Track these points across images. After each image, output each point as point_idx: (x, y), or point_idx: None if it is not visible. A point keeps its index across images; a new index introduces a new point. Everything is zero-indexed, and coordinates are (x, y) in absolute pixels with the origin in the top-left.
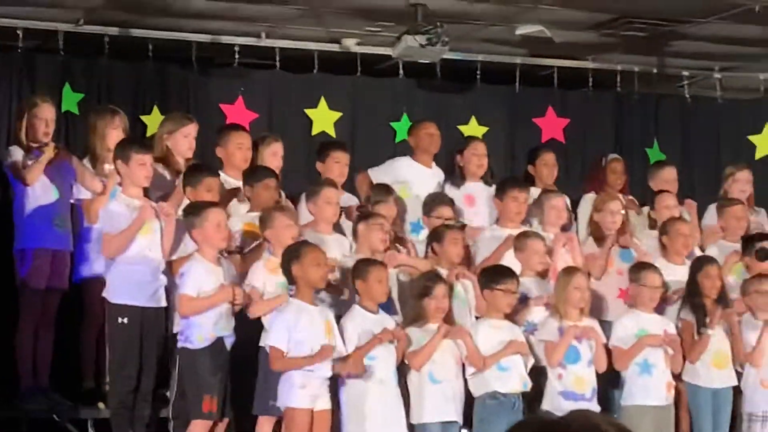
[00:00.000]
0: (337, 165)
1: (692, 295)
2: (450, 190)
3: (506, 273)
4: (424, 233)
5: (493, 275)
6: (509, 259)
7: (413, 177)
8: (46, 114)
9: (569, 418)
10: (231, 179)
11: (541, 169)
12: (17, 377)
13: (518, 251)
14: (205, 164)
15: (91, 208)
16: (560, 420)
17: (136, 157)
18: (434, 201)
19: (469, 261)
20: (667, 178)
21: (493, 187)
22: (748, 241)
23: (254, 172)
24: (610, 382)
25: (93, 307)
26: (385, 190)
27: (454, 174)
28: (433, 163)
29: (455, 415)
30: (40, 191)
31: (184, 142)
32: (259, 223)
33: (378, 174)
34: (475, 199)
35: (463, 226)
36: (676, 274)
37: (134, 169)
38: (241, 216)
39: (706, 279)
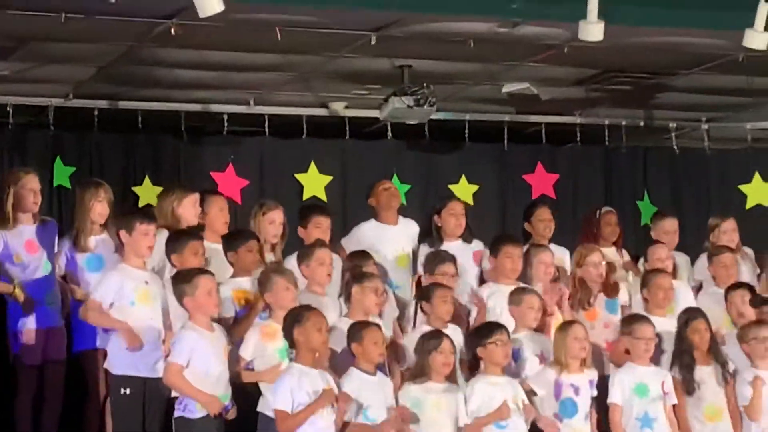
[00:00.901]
0: (317, 230)
1: (681, 352)
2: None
3: (494, 326)
4: (399, 292)
5: (483, 331)
6: (505, 316)
7: (378, 239)
8: (34, 185)
9: None
10: (211, 244)
11: (537, 225)
12: None
13: (513, 306)
14: (185, 229)
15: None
16: None
17: (140, 227)
18: (436, 259)
19: (460, 319)
20: (668, 229)
21: (473, 244)
22: (730, 290)
23: (236, 236)
24: None
25: (92, 379)
26: (364, 255)
27: (431, 235)
28: (401, 218)
29: None
30: (31, 267)
31: (192, 210)
32: (258, 285)
33: (347, 242)
34: (455, 259)
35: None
36: (659, 326)
37: (138, 239)
38: (228, 282)
39: (695, 334)
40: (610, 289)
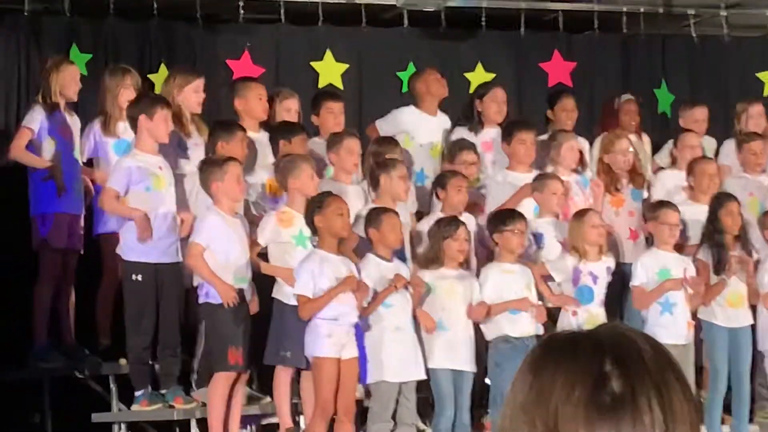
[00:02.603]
0: (330, 115)
1: (712, 233)
2: (468, 136)
3: (514, 214)
4: (429, 183)
5: (501, 218)
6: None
7: (417, 126)
8: (77, 75)
9: (599, 329)
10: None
11: (560, 114)
12: (33, 337)
13: (536, 192)
14: (234, 120)
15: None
16: (590, 331)
17: (161, 112)
18: (456, 147)
19: (476, 207)
20: (698, 117)
21: None
22: None
23: (291, 127)
24: (626, 321)
25: (109, 263)
26: (391, 142)
27: (473, 119)
28: (439, 111)
29: (464, 363)
30: (64, 152)
31: (194, 96)
32: (278, 171)
33: (383, 125)
34: (494, 145)
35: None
36: (703, 213)
37: (158, 124)
38: (266, 168)
39: (728, 216)
40: (637, 178)
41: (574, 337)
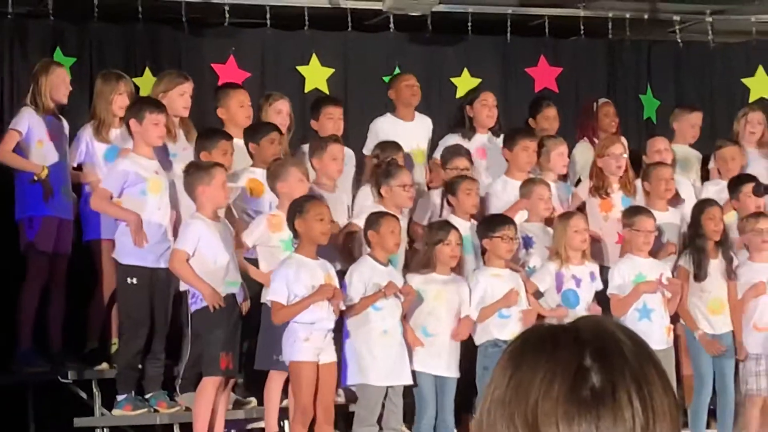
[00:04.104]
0: (330, 121)
1: (694, 238)
2: (461, 143)
3: (503, 220)
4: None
5: (491, 224)
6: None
7: (393, 133)
8: (66, 78)
9: (579, 322)
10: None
11: (542, 123)
12: (18, 341)
13: (524, 198)
14: (218, 128)
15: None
16: (570, 324)
17: (150, 116)
18: (450, 153)
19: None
20: (694, 122)
21: (500, 138)
22: (734, 182)
23: (258, 128)
24: None
25: (104, 269)
26: (392, 146)
27: (464, 126)
28: (416, 114)
29: (447, 369)
30: (51, 155)
31: (179, 100)
32: (268, 175)
33: (368, 142)
34: (487, 151)
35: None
36: (660, 219)
37: (148, 128)
38: (246, 171)
39: (710, 221)
40: (629, 185)
41: (554, 331)
